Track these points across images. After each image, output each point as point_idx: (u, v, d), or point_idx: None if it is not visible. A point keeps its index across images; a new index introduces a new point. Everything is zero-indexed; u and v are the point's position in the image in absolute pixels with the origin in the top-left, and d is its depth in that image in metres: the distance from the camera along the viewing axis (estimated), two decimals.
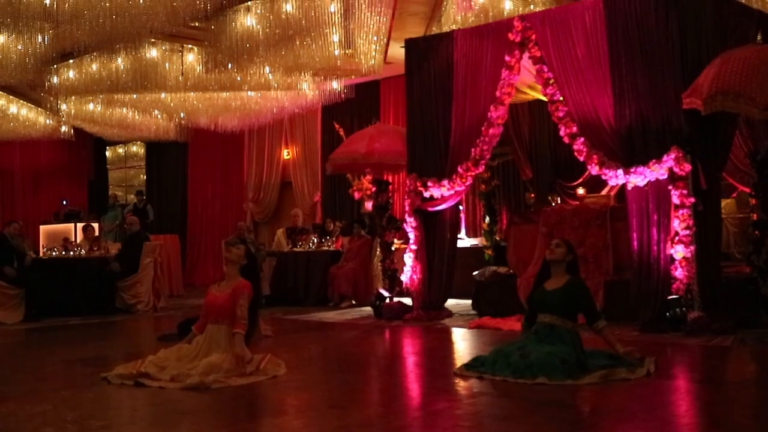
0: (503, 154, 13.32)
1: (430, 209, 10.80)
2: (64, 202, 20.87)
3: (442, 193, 10.60)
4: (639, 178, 8.84)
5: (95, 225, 16.10)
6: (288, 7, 11.25)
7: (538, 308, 6.55)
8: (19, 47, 11.88)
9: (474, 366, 6.39)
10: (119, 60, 12.93)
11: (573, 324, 6.32)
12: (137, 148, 23.19)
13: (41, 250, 14.40)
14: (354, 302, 13.09)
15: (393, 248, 12.05)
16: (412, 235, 10.94)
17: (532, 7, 11.38)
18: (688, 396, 5.81)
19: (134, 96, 15.06)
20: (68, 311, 12.40)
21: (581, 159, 9.42)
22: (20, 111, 16.87)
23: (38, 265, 12.77)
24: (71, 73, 13.71)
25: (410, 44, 11.36)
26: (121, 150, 23.64)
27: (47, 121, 17.42)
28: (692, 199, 8.52)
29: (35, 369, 7.71)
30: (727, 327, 8.26)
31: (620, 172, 8.98)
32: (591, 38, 9.33)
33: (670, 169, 8.57)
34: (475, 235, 14.63)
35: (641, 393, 5.66)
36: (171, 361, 6.49)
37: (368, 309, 11.78)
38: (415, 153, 11.05)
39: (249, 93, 15.07)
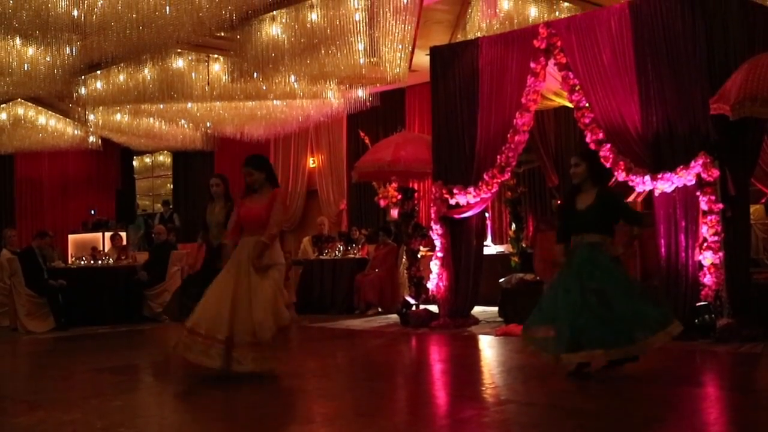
0: (529, 161, 13.26)
1: (456, 216, 10.78)
2: (92, 212, 21.02)
3: (468, 200, 10.58)
4: (666, 184, 8.77)
5: (123, 234, 16.23)
6: (313, 16, 11.29)
7: (574, 230, 6.67)
8: (48, 59, 12.01)
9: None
10: (146, 70, 13.04)
11: (611, 240, 6.50)
12: (164, 158, 23.33)
13: (70, 259, 14.51)
14: (380, 310, 13.09)
15: (419, 256, 12.03)
16: (438, 243, 10.92)
17: (557, 13, 11.38)
18: (718, 404, 5.76)
19: (161, 106, 15.17)
20: (97, 320, 12.50)
21: (607, 165, 9.36)
22: (49, 122, 17.04)
23: (67, 275, 12.88)
24: (99, 84, 13.83)
25: (435, 52, 11.37)
26: (148, 159, 23.79)
27: (75, 132, 17.59)
28: (720, 205, 8.44)
29: (65, 377, 7.79)
30: (758, 333, 8.16)
31: (647, 178, 8.92)
32: (617, 44, 9.28)
33: (698, 175, 8.50)
34: (501, 242, 14.58)
35: (671, 400, 5.62)
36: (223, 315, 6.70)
37: (394, 317, 11.78)
38: (440, 160, 11.05)
39: (274, 102, 15.13)
